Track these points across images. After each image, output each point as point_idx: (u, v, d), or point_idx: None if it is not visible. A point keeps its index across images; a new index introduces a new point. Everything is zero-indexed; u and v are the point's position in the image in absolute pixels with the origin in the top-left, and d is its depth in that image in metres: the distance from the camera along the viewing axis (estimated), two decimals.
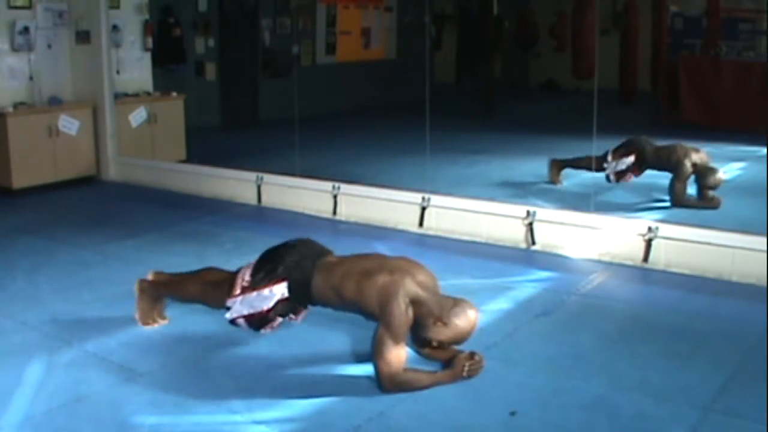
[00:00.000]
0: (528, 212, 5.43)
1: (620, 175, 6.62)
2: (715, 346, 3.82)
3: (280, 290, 3.55)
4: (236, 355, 3.66)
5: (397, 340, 3.25)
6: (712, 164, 6.33)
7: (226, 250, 5.37)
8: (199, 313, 4.04)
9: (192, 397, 3.31)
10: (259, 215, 6.58)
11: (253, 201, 6.78)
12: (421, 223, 5.86)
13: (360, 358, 3.60)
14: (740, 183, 7.17)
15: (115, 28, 7.87)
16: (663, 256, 4.96)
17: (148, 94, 8.33)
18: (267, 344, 3.77)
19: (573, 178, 7.02)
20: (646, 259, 4.99)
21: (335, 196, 6.26)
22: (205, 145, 8.52)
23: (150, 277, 4.05)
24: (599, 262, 5.11)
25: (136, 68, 8.29)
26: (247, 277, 3.60)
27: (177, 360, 3.67)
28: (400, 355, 3.26)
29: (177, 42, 9.93)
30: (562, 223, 5.35)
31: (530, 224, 5.40)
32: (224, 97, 10.94)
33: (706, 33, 10.71)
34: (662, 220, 5.29)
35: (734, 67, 9.95)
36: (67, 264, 5.11)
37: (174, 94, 8.51)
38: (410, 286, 3.30)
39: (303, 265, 3.54)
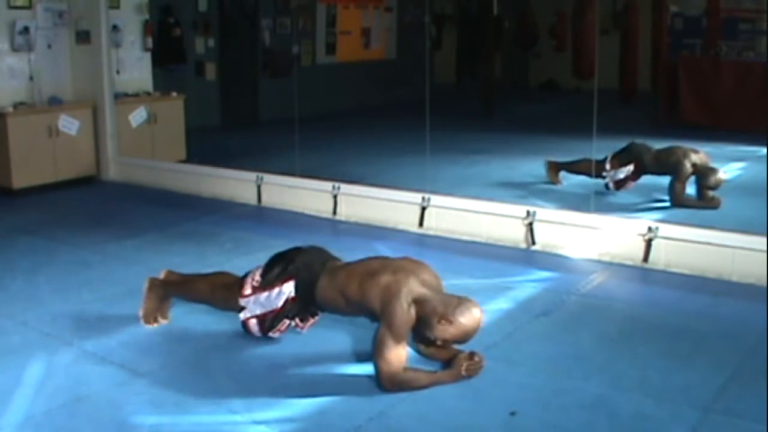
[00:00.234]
0: (528, 212, 5.43)
1: (619, 183, 6.63)
2: (715, 346, 3.82)
3: (288, 288, 3.60)
4: (236, 355, 3.66)
5: (398, 340, 3.25)
6: (712, 165, 6.33)
7: (226, 250, 5.36)
8: (199, 313, 4.04)
9: (192, 397, 3.31)
10: (259, 215, 6.58)
11: (253, 201, 6.78)
12: (421, 223, 5.86)
13: (360, 358, 3.60)
14: (740, 183, 7.17)
15: (115, 28, 7.87)
16: (663, 256, 4.96)
17: (148, 94, 8.33)
18: (267, 344, 3.77)
19: (573, 179, 7.02)
20: (646, 259, 4.99)
21: (335, 196, 6.26)
22: (205, 145, 8.52)
23: (162, 276, 4.06)
24: (599, 262, 5.11)
25: (136, 68, 8.29)
26: (258, 278, 3.66)
27: (177, 360, 3.67)
28: (400, 354, 3.27)
29: (177, 42, 9.93)
30: (562, 223, 5.35)
31: (530, 224, 5.40)
32: (224, 97, 10.94)
33: (706, 33, 10.71)
34: (662, 220, 5.29)
35: (734, 67, 9.95)
36: (67, 264, 5.11)
37: (174, 94, 8.51)
38: (414, 286, 3.31)
39: (311, 266, 3.60)
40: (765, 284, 4.53)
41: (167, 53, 9.61)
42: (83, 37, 7.74)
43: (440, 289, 3.43)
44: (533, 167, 7.59)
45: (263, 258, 3.82)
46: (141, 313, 4.01)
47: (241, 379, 3.48)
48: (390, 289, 3.28)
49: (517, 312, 4.28)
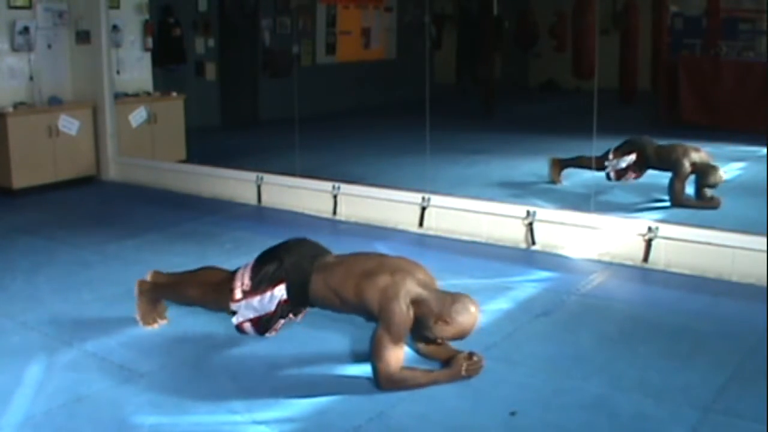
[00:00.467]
0: (528, 212, 5.43)
1: (620, 173, 6.62)
2: (715, 346, 3.82)
3: (280, 292, 3.55)
4: (236, 355, 3.66)
5: (396, 341, 3.26)
6: (713, 163, 6.33)
7: (226, 250, 5.37)
8: (199, 314, 4.04)
9: (192, 397, 3.31)
10: (259, 215, 6.59)
11: (253, 201, 6.78)
12: (421, 223, 5.86)
13: (360, 358, 3.60)
14: (740, 183, 7.17)
15: (115, 28, 7.87)
16: (663, 256, 4.96)
17: (148, 94, 8.33)
18: (267, 344, 3.77)
19: (573, 178, 7.02)
20: (646, 259, 4.99)
21: (335, 196, 6.27)
22: (205, 145, 8.53)
23: (148, 277, 4.05)
24: (599, 262, 5.11)
25: (136, 68, 8.29)
26: (247, 281, 3.58)
27: (177, 360, 3.67)
28: (398, 355, 3.27)
29: (177, 42, 9.93)
30: (562, 223, 5.35)
31: (530, 224, 5.40)
32: (224, 97, 10.94)
33: (706, 33, 10.71)
34: (662, 220, 5.29)
35: (734, 67, 9.95)
36: (67, 264, 5.11)
37: (174, 94, 8.51)
38: (411, 286, 3.31)
39: (301, 266, 3.54)
40: (765, 284, 4.53)
41: (167, 53, 9.62)
42: (83, 37, 7.74)
43: (436, 288, 3.43)
44: (533, 167, 7.60)
45: None
46: (137, 316, 4.00)
47: (241, 379, 3.48)
48: (388, 291, 3.28)
49: (517, 312, 4.28)
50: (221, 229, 6.02)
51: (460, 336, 3.34)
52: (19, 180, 7.14)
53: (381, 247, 5.20)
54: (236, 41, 10.97)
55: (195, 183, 7.26)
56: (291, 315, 3.68)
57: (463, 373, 3.39)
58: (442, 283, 3.53)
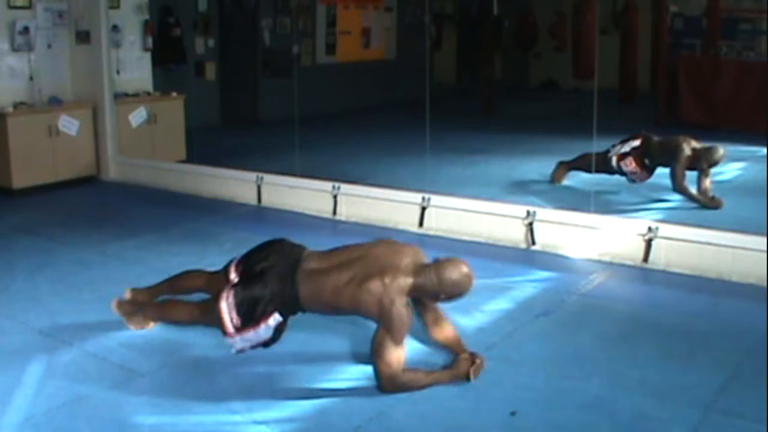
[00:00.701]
0: (528, 212, 5.43)
1: (622, 157, 6.56)
2: (715, 346, 3.82)
3: (273, 321, 3.49)
4: (236, 355, 3.66)
5: (397, 342, 3.26)
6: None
7: (226, 250, 5.36)
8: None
9: (192, 397, 3.31)
10: (259, 215, 6.59)
11: (253, 201, 6.78)
12: (421, 223, 5.86)
13: (360, 359, 3.60)
14: (740, 183, 7.17)
15: (115, 28, 7.87)
16: (663, 256, 4.96)
17: (148, 94, 8.33)
18: None
19: (573, 178, 7.02)
20: (646, 259, 4.99)
21: (335, 196, 6.27)
22: (205, 145, 8.52)
23: (127, 296, 4.01)
24: (599, 262, 5.11)
25: (136, 68, 8.29)
26: (235, 316, 3.45)
27: (177, 360, 3.67)
28: (399, 356, 3.28)
29: (177, 42, 9.93)
30: (562, 223, 5.35)
31: (530, 224, 5.40)
32: (224, 97, 10.94)
33: (706, 33, 10.71)
34: (662, 220, 5.29)
35: (734, 67, 9.95)
36: (67, 264, 5.11)
37: (174, 94, 8.51)
38: (403, 282, 3.31)
39: (284, 288, 3.45)
40: (765, 284, 4.53)
41: (167, 53, 9.61)
42: (83, 37, 7.74)
43: (424, 263, 3.42)
44: (533, 167, 7.60)
45: None
46: (131, 327, 3.98)
47: (241, 379, 3.48)
48: (384, 298, 3.27)
49: (517, 312, 4.28)
50: (221, 229, 6.02)
51: (462, 295, 3.41)
52: (19, 180, 7.14)
53: None
54: (236, 41, 10.97)
55: (195, 183, 7.25)
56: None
57: (472, 378, 3.40)
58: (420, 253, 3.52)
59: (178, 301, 3.89)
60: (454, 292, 3.37)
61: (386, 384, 3.28)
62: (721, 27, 10.60)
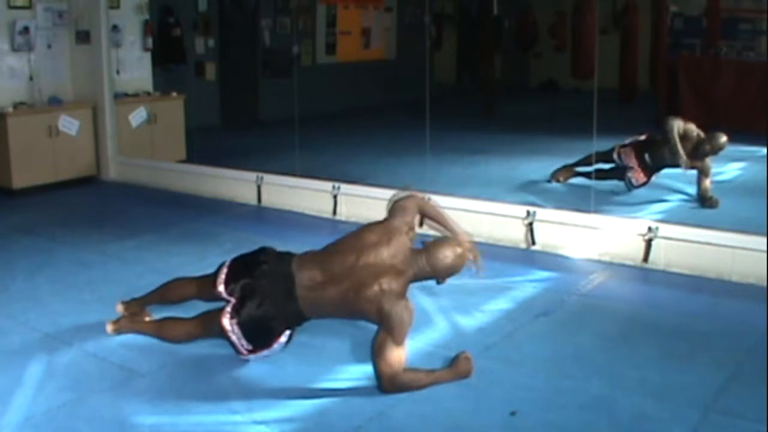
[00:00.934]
0: (528, 212, 5.43)
1: (623, 147, 6.57)
2: (715, 346, 3.82)
3: (284, 337, 3.55)
4: (236, 356, 3.66)
5: (398, 342, 3.26)
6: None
7: (226, 250, 5.36)
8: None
9: (192, 397, 3.31)
10: (259, 215, 6.59)
11: (253, 201, 6.78)
12: (421, 224, 5.84)
13: (360, 359, 3.60)
14: (740, 183, 7.17)
15: (115, 28, 7.87)
16: (663, 256, 4.96)
17: (148, 94, 8.33)
18: None
19: (573, 178, 7.01)
20: (646, 259, 4.99)
21: (335, 196, 6.26)
22: (205, 145, 8.52)
23: (120, 310, 3.98)
24: (599, 262, 5.11)
25: (136, 68, 8.29)
26: (245, 342, 3.46)
27: (177, 360, 3.67)
28: (400, 356, 3.28)
29: (177, 42, 9.92)
30: (562, 223, 5.35)
31: (530, 224, 5.40)
32: (224, 97, 10.93)
33: (706, 33, 10.70)
34: (662, 220, 5.29)
35: (734, 67, 9.94)
36: (67, 264, 5.11)
37: (174, 94, 8.51)
38: (400, 285, 3.31)
39: (286, 303, 3.44)
40: (765, 284, 4.54)
41: (167, 53, 9.60)
42: (83, 37, 7.74)
43: (409, 247, 3.43)
44: (533, 167, 7.59)
45: None
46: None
47: (241, 379, 3.48)
48: (383, 304, 3.27)
49: (517, 312, 4.28)
50: (221, 229, 6.02)
51: (459, 272, 3.43)
52: (19, 180, 7.14)
53: None
54: (236, 41, 10.96)
55: (195, 183, 7.25)
56: None
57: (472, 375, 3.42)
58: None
59: (175, 319, 3.82)
60: (451, 273, 3.40)
61: (387, 384, 3.28)
62: (721, 27, 10.58)
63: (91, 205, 7.08)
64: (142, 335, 3.88)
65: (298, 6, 11.68)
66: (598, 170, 6.51)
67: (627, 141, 6.63)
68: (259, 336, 3.49)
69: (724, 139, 6.24)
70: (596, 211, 5.44)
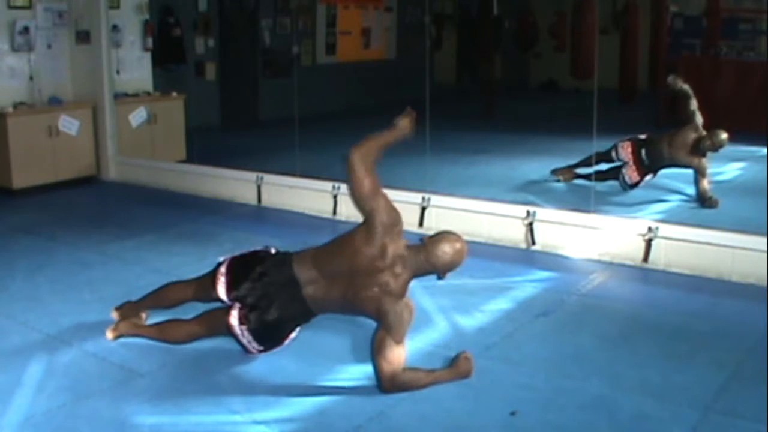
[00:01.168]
0: (528, 212, 5.43)
1: (622, 142, 6.58)
2: (715, 346, 3.82)
3: (295, 333, 3.61)
4: (236, 355, 3.66)
5: (398, 341, 3.26)
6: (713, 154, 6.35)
7: (226, 250, 5.35)
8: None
9: (192, 397, 3.31)
10: (259, 215, 6.59)
11: (253, 201, 6.78)
12: (421, 223, 5.85)
13: (360, 358, 3.60)
14: (740, 183, 7.17)
15: (115, 28, 7.87)
16: (663, 256, 4.96)
17: (148, 94, 8.33)
18: None
19: (574, 180, 7.00)
20: (646, 259, 4.99)
21: (335, 196, 6.27)
22: (205, 145, 8.51)
23: (114, 316, 3.97)
24: (599, 262, 5.11)
25: (136, 68, 8.29)
26: (256, 345, 3.51)
27: (177, 360, 3.67)
28: (400, 355, 3.28)
29: (177, 42, 9.92)
30: (562, 223, 5.35)
31: (530, 224, 5.40)
32: (224, 97, 10.93)
33: (706, 33, 10.70)
34: (662, 220, 5.29)
35: (734, 67, 9.95)
36: (67, 264, 5.11)
37: (174, 94, 8.51)
38: (398, 285, 3.31)
39: (295, 305, 3.46)
40: (765, 284, 4.54)
41: (167, 53, 9.60)
42: (83, 37, 7.74)
43: (408, 247, 3.37)
44: (533, 167, 7.59)
45: None
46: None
47: (241, 379, 3.49)
48: (382, 304, 3.27)
49: (517, 312, 4.28)
50: (221, 229, 6.02)
51: (458, 267, 3.38)
52: (19, 180, 7.14)
53: None
54: (236, 41, 10.96)
55: (195, 183, 7.25)
56: None
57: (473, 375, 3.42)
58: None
59: (177, 321, 3.81)
60: (450, 268, 3.37)
61: (387, 383, 3.28)
62: (721, 27, 10.58)
63: (91, 205, 7.08)
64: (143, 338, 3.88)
65: (298, 6, 11.68)
66: (597, 172, 6.51)
67: (626, 138, 6.65)
68: (272, 339, 3.54)
69: (725, 135, 6.25)
70: (596, 211, 5.45)
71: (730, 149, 6.53)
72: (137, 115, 8.05)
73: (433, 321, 4.14)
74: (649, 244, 4.99)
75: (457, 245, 3.34)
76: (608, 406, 3.24)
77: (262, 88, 11.22)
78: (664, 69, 10.47)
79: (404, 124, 3.60)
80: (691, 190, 6.40)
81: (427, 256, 3.33)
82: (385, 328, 3.27)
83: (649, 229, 5.01)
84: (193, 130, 8.52)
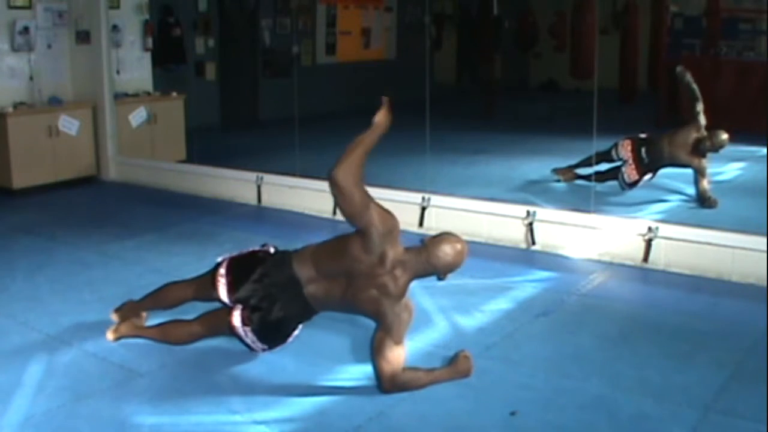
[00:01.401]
0: (528, 212, 5.43)
1: (623, 141, 6.58)
2: (715, 346, 3.82)
3: (298, 330, 3.60)
4: (236, 355, 3.66)
5: (397, 342, 3.26)
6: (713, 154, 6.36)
7: (226, 251, 5.34)
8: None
9: (192, 397, 3.31)
10: (259, 215, 6.59)
11: (253, 201, 6.78)
12: (421, 223, 5.86)
13: (360, 358, 3.60)
14: (740, 183, 7.17)
15: (115, 28, 7.87)
16: (663, 256, 4.96)
17: (148, 94, 8.33)
18: None
19: (575, 180, 7.00)
20: (646, 259, 5.00)
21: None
22: (205, 145, 8.52)
23: (114, 318, 3.95)
24: (599, 262, 5.11)
25: (136, 68, 8.29)
26: (260, 344, 3.50)
27: (177, 360, 3.67)
28: (399, 355, 3.28)
29: (177, 42, 9.92)
30: (562, 223, 5.35)
31: (530, 224, 5.40)
32: (224, 97, 10.93)
33: (706, 33, 10.70)
34: (662, 220, 5.29)
35: (734, 67, 9.94)
36: (67, 264, 5.11)
37: (174, 94, 8.51)
38: (397, 286, 3.29)
39: (298, 305, 3.45)
40: (765, 284, 4.54)
41: (167, 53, 9.60)
42: (83, 37, 7.74)
43: (396, 236, 3.35)
44: (533, 167, 7.59)
45: None
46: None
47: (241, 379, 3.49)
48: (381, 305, 3.26)
49: (517, 312, 4.28)
50: (221, 229, 6.02)
51: (459, 267, 3.36)
52: (19, 180, 7.14)
53: None
54: (236, 41, 10.96)
55: (195, 183, 7.25)
56: None
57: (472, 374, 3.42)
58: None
59: (178, 322, 3.80)
60: (451, 269, 3.35)
61: (386, 383, 3.28)
62: (721, 27, 10.58)
63: (91, 205, 7.08)
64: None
65: (298, 6, 11.68)
66: (597, 172, 6.51)
67: (626, 137, 6.65)
68: (276, 337, 3.54)
69: (725, 136, 6.25)
70: (596, 211, 5.45)
71: (730, 149, 6.53)
72: (137, 115, 8.05)
73: (433, 321, 4.14)
74: (649, 244, 4.99)
75: (458, 246, 3.33)
76: (608, 406, 3.24)
77: (262, 88, 11.22)
78: (664, 69, 10.48)
79: (380, 119, 3.53)
80: (691, 190, 6.41)
81: (428, 257, 3.32)
82: (384, 328, 3.27)
83: (649, 229, 5.01)
84: (193, 130, 8.52)
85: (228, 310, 3.51)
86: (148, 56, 8.45)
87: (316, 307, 3.50)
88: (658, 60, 10.95)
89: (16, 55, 7.40)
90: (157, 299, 3.89)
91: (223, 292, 3.49)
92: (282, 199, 6.63)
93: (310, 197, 6.42)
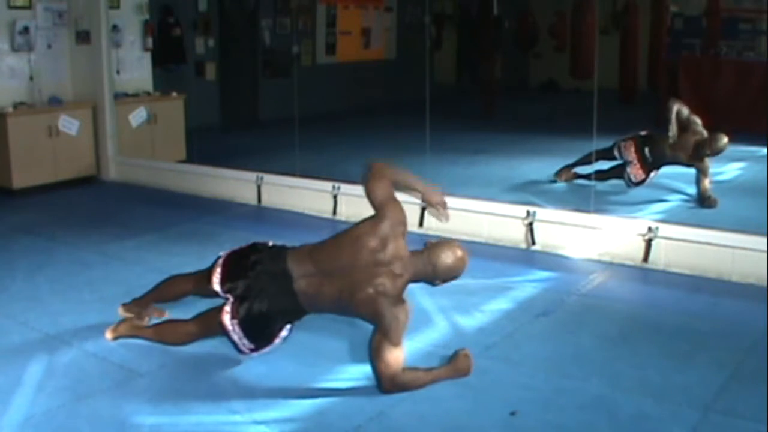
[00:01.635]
0: (528, 212, 5.43)
1: (624, 141, 6.58)
2: (715, 346, 3.82)
3: (286, 331, 3.54)
4: (236, 355, 3.66)
5: (395, 343, 3.26)
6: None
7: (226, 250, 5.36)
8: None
9: (192, 397, 3.31)
10: (259, 215, 6.59)
11: (253, 201, 6.78)
12: (421, 223, 5.85)
13: (359, 359, 3.59)
14: (740, 183, 7.17)
15: (115, 28, 7.87)
16: (663, 256, 4.96)
17: (148, 94, 8.33)
18: None
19: (575, 180, 7.00)
20: (646, 259, 5.00)
21: (335, 196, 6.27)
22: (205, 145, 8.52)
23: (121, 313, 3.96)
24: (599, 262, 5.11)
25: (136, 68, 8.29)
26: (247, 342, 3.45)
27: (177, 360, 3.67)
28: (398, 356, 3.27)
29: (177, 42, 9.93)
30: (562, 223, 5.35)
31: (530, 224, 5.40)
32: (224, 97, 10.93)
33: (706, 33, 10.70)
34: (662, 220, 5.29)
35: (734, 67, 9.95)
36: (67, 264, 5.11)
37: (174, 94, 8.51)
38: (395, 287, 3.29)
39: (286, 301, 3.43)
40: (765, 284, 4.54)
41: (167, 53, 9.61)
42: (83, 37, 7.74)
43: (403, 232, 3.38)
44: (533, 167, 7.59)
45: None
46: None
47: (241, 379, 3.49)
48: (379, 306, 3.26)
49: (517, 312, 4.28)
50: (221, 229, 6.02)
51: (458, 277, 3.39)
52: (19, 180, 7.14)
53: None
54: (236, 41, 10.96)
55: (195, 183, 7.25)
56: None
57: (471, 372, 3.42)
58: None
59: (174, 322, 3.81)
60: (450, 276, 3.37)
61: (386, 384, 3.28)
62: (721, 27, 10.58)
63: (91, 205, 7.08)
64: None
65: (298, 6, 11.68)
66: (597, 171, 6.51)
67: (628, 136, 6.65)
68: (261, 334, 3.47)
69: (724, 141, 6.25)
70: (596, 211, 5.45)
71: (730, 149, 6.53)
72: (137, 115, 8.05)
73: (433, 321, 4.14)
74: (649, 244, 4.99)
75: (459, 253, 3.33)
76: (608, 406, 3.24)
77: (262, 88, 11.23)
78: (664, 69, 10.49)
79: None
80: (691, 190, 6.41)
81: (429, 261, 3.32)
82: (382, 331, 3.26)
83: (649, 229, 5.01)
84: (193, 130, 8.52)
85: (220, 308, 3.50)
86: (148, 56, 8.45)
87: (306, 305, 3.44)
88: (658, 60, 10.95)
89: (16, 55, 7.40)
90: (160, 293, 3.92)
91: (216, 282, 3.48)
92: (282, 199, 6.63)
93: (310, 197, 6.42)
